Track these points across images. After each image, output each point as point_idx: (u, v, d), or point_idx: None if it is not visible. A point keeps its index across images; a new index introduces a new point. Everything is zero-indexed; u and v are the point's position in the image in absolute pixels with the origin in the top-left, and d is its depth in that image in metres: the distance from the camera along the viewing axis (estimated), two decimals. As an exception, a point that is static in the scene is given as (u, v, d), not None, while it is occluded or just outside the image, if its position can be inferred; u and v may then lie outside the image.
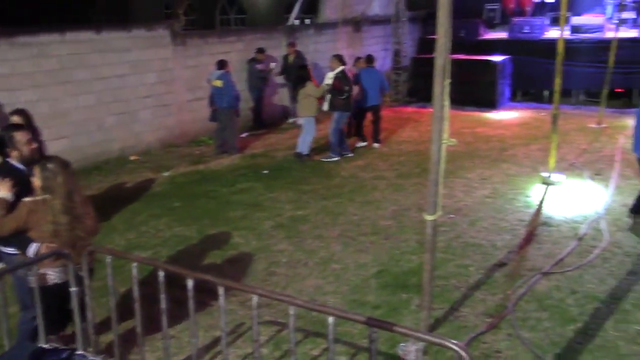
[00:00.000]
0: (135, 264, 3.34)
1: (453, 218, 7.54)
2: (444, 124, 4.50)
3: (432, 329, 5.02)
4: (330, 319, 2.67)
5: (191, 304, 3.14)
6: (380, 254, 6.61)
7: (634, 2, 15.67)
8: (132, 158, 11.04)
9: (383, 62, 17.19)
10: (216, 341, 4.84)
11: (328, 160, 10.45)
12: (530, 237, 6.92)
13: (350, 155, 10.69)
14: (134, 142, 11.33)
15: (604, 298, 5.51)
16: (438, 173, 4.58)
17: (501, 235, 6.99)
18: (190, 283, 3.08)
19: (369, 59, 11.58)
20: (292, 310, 2.78)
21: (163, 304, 3.28)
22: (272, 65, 13.15)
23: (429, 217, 4.65)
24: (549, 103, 12.29)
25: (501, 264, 6.27)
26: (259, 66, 12.93)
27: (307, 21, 15.19)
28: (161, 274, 3.22)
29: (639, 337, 4.86)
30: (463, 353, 2.39)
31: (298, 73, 11.12)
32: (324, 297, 5.70)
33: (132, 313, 3.53)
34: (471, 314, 5.31)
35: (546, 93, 14.72)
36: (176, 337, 5.00)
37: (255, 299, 2.92)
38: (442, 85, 4.46)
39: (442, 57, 4.42)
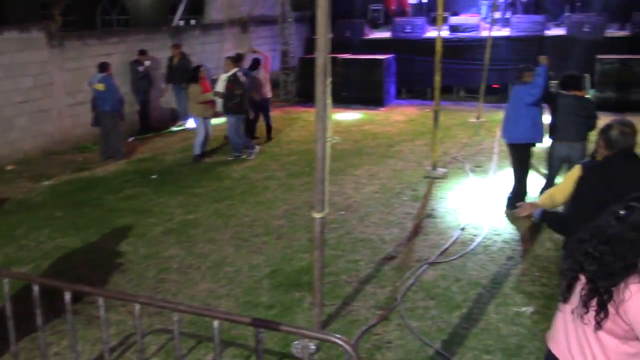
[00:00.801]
0: (6, 280, 3.14)
1: (343, 215, 7.68)
2: (327, 122, 4.56)
3: (324, 325, 5.08)
4: (216, 323, 2.64)
5: (69, 317, 3.00)
6: (273, 254, 6.61)
7: (505, 2, 16.61)
8: (8, 168, 10.40)
9: (272, 63, 17.23)
10: (103, 355, 4.65)
11: (249, 157, 10.45)
12: (416, 230, 7.16)
13: (242, 156, 10.60)
14: (10, 150, 10.68)
15: (485, 284, 5.80)
16: (324, 171, 4.64)
17: (389, 229, 7.19)
18: (67, 296, 2.94)
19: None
20: (176, 317, 2.72)
21: (39, 320, 3.11)
22: (147, 63, 12.73)
23: (317, 215, 4.70)
24: (432, 100, 12.77)
25: (390, 257, 6.45)
26: (142, 68, 12.57)
27: (193, 22, 14.92)
28: (36, 288, 3.05)
29: (517, 318, 5.15)
30: (347, 346, 2.44)
31: (191, 74, 10.95)
32: (217, 301, 5.63)
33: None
34: (362, 308, 5.43)
35: (429, 90, 15.29)
36: (60, 354, 4.77)
37: (137, 307, 2.83)
38: (324, 84, 4.52)
39: (323, 56, 4.48)
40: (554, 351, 2.76)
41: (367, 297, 5.62)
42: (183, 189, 9.01)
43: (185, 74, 12.14)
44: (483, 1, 16.75)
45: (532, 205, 4.15)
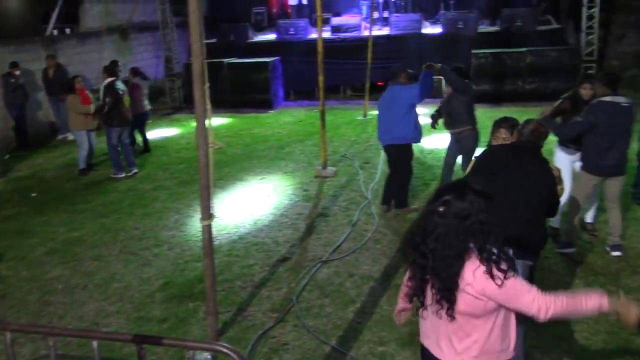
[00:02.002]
0: None
1: (236, 220, 7.60)
2: (208, 128, 4.50)
3: (220, 333, 5.01)
4: (95, 343, 2.52)
5: None
6: (164, 266, 6.44)
7: (384, 2, 17.06)
8: None
9: (156, 69, 16.84)
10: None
11: (115, 176, 9.85)
12: (309, 229, 7.21)
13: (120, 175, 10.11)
14: None
15: (377, 277, 5.93)
16: (208, 178, 4.57)
17: (282, 231, 7.20)
18: None
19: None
20: (51, 341, 2.57)
21: None
22: (17, 72, 12.03)
23: (204, 223, 4.63)
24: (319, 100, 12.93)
25: (284, 259, 6.45)
26: (14, 81, 11.86)
27: (68, 31, 14.24)
28: None
29: (409, 308, 5.30)
30: (233, 354, 2.41)
31: (67, 85, 10.43)
32: (107, 319, 5.40)
33: None
34: (258, 312, 5.39)
35: (316, 90, 15.44)
36: None
37: (8, 335, 2.66)
38: (202, 90, 4.47)
39: (199, 61, 4.42)
40: (427, 346, 2.86)
41: (263, 301, 5.59)
42: (66, 205, 8.60)
43: (62, 85, 11.61)
44: (363, 1, 17.11)
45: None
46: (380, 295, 5.58)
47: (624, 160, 5.91)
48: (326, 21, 15.43)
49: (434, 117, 7.81)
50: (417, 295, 2.77)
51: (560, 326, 4.85)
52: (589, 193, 6.13)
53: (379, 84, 14.78)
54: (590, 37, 14.23)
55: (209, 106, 4.52)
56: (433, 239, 2.58)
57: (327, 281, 5.90)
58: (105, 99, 9.63)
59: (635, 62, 14.79)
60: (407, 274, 3.04)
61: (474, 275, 2.54)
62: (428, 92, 7.31)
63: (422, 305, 2.76)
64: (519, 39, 14.35)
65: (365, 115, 13.24)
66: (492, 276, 2.51)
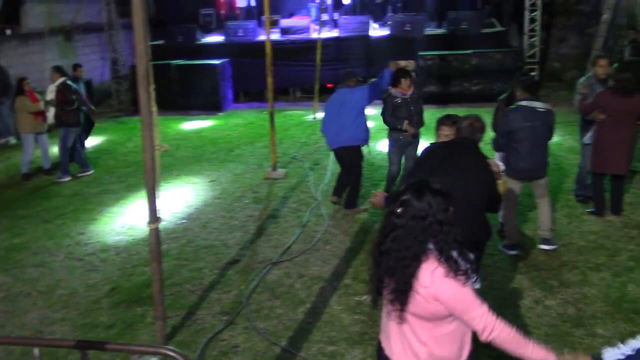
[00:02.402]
0: None
1: (184, 223, 7.53)
2: (154, 130, 4.45)
3: (169, 337, 4.96)
4: (36, 351, 2.47)
5: None
6: (111, 271, 6.33)
7: (333, 4, 17.16)
8: None
9: (102, 72, 16.53)
10: None
11: (60, 180, 9.58)
12: (259, 232, 7.19)
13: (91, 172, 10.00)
14: None
15: (327, 277, 5.96)
16: (154, 181, 4.52)
17: (232, 234, 7.16)
18: None
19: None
20: (-10, 351, 2.51)
21: None
22: None
23: (151, 226, 4.57)
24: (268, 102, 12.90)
25: (234, 261, 6.42)
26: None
27: (8, 32, 13.84)
28: None
29: (358, 307, 5.35)
30: (179, 357, 2.39)
31: (16, 87, 10.13)
32: (51, 327, 5.28)
33: None
34: (208, 315, 5.36)
35: (266, 92, 15.39)
36: None
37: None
38: (147, 92, 4.42)
39: (143, 63, 4.38)
40: (383, 344, 2.87)
41: (213, 304, 5.56)
42: (8, 211, 8.34)
43: (3, 88, 11.29)
44: (312, 3, 17.16)
45: (383, 194, 4.35)
46: (330, 295, 5.61)
47: (544, 164, 6.08)
48: (275, 23, 15.41)
49: (412, 122, 7.30)
50: (373, 295, 2.78)
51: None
52: (518, 193, 6.29)
53: (328, 85, 14.84)
54: (533, 39, 14.64)
55: (155, 108, 4.47)
56: (391, 240, 2.58)
57: (277, 283, 5.90)
58: (71, 96, 9.41)
59: (575, 64, 15.28)
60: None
61: (432, 277, 2.53)
62: (377, 94, 7.40)
63: (375, 303, 2.79)
64: (465, 42, 14.65)
65: (315, 117, 13.27)
66: (452, 277, 2.51)
